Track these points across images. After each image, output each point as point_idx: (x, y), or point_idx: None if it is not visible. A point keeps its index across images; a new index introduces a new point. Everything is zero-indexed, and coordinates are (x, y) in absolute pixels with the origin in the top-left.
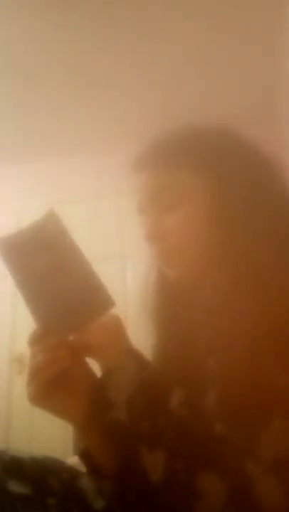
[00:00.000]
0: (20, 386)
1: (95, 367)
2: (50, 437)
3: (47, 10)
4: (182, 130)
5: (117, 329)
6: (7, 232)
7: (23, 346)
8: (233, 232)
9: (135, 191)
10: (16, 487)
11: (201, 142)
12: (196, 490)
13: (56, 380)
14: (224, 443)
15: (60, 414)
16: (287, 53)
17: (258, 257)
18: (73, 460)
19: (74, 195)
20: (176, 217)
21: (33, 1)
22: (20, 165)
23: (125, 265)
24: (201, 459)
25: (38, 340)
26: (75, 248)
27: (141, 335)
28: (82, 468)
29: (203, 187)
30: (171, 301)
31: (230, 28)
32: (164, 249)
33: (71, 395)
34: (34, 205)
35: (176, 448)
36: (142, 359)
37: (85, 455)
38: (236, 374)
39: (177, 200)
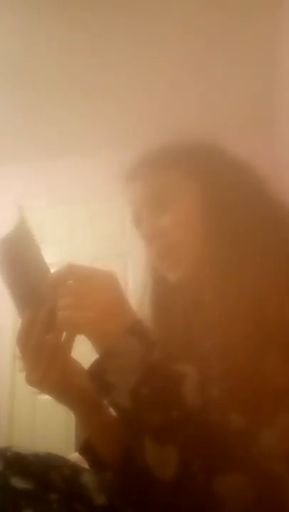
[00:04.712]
0: (23, 383)
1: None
2: (53, 434)
3: (48, 13)
4: (171, 140)
5: (116, 297)
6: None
7: None
8: (222, 228)
9: (129, 203)
10: (19, 483)
11: (188, 148)
12: (217, 492)
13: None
14: (248, 439)
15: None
16: (284, 62)
17: (245, 252)
18: (75, 456)
19: (75, 195)
20: (170, 216)
21: (34, 7)
22: (21, 165)
23: (126, 265)
24: (223, 457)
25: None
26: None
27: None
28: (84, 464)
29: (192, 187)
30: (169, 301)
31: (228, 38)
32: (164, 248)
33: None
34: (35, 205)
35: (194, 445)
36: (147, 338)
37: (85, 448)
38: (236, 369)
39: (169, 201)
